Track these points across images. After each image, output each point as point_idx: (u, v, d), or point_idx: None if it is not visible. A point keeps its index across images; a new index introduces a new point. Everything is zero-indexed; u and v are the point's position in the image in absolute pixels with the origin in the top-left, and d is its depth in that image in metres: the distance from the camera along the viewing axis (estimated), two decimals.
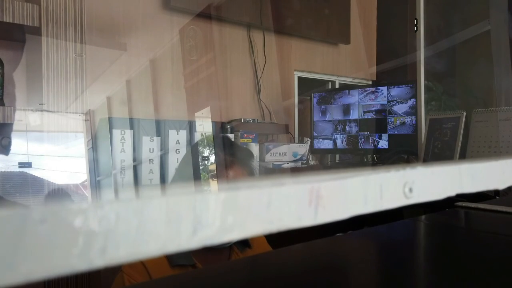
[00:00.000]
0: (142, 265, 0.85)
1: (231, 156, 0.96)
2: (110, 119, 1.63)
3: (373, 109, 2.00)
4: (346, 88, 2.21)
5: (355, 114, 2.07)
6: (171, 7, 1.81)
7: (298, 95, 2.35)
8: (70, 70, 1.30)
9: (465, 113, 1.73)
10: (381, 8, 2.66)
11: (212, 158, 1.00)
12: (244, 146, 1.78)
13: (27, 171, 1.33)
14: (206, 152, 1.01)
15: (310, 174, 0.18)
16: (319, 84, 2.51)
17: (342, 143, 2.12)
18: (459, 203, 0.61)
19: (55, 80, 1.27)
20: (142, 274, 0.85)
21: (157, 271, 0.85)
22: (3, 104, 1.29)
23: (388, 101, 1.95)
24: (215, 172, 0.97)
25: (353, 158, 2.22)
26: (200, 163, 0.99)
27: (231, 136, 1.86)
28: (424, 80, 2.14)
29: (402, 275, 0.34)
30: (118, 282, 0.86)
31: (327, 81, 2.52)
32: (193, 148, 1.07)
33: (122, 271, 0.85)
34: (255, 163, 1.83)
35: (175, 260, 0.86)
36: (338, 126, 2.13)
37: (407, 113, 1.89)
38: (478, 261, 0.38)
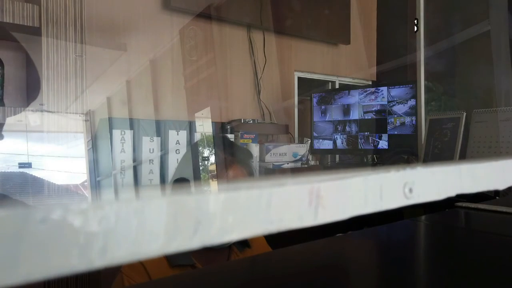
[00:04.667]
0: (142, 266, 0.85)
1: (230, 156, 0.97)
2: (110, 120, 1.63)
3: (373, 109, 2.00)
4: (346, 88, 2.21)
5: (355, 115, 2.07)
6: (171, 7, 1.81)
7: (298, 95, 2.35)
8: (70, 70, 1.30)
9: (465, 114, 1.73)
10: (381, 8, 2.66)
11: (211, 158, 1.00)
12: (244, 146, 1.78)
13: (27, 171, 1.33)
14: (205, 153, 1.01)
15: (310, 174, 0.18)
16: (319, 84, 2.51)
17: (342, 143, 2.12)
18: (459, 204, 0.61)
19: (55, 80, 1.27)
20: (142, 275, 0.85)
21: (156, 271, 0.85)
22: (3, 105, 1.29)
23: (388, 102, 1.95)
24: (215, 172, 0.98)
25: (353, 158, 2.22)
26: (200, 163, 0.99)
27: (231, 136, 1.86)
28: (424, 80, 2.14)
29: (402, 275, 0.34)
30: (117, 283, 0.86)
31: (327, 82, 2.52)
32: (192, 148, 1.07)
33: (122, 272, 0.85)
34: (255, 163, 1.83)
35: (175, 260, 0.86)
36: (338, 126, 2.13)
37: (407, 114, 1.89)
38: (478, 261, 0.38)
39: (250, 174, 0.99)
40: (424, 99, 2.12)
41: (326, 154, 2.36)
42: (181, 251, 0.14)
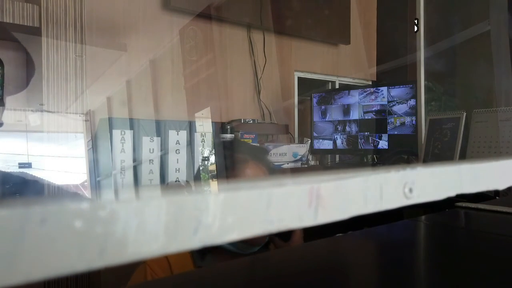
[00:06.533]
0: (167, 262, 0.85)
1: (245, 155, 0.94)
2: (110, 120, 1.63)
3: (373, 109, 2.00)
4: (346, 88, 2.21)
5: (355, 115, 2.07)
6: (171, 7, 1.81)
7: (298, 95, 2.35)
8: (70, 71, 1.30)
9: (465, 114, 1.72)
10: (381, 8, 2.65)
11: (227, 160, 0.97)
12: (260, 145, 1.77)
13: (27, 171, 1.33)
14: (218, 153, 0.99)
15: (310, 174, 0.18)
16: (319, 84, 2.51)
17: (342, 143, 2.12)
18: (459, 204, 0.61)
19: (55, 80, 1.27)
20: (165, 271, 0.84)
21: (180, 270, 0.84)
22: (3, 105, 1.29)
23: (388, 102, 1.95)
24: (231, 172, 0.95)
25: (353, 158, 2.22)
26: (223, 165, 0.96)
27: (231, 136, 1.86)
28: (424, 80, 2.14)
29: (402, 276, 0.34)
30: (139, 273, 0.85)
31: (327, 82, 2.52)
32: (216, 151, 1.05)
33: (146, 264, 0.84)
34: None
35: (199, 262, 0.86)
36: (338, 126, 2.13)
37: (407, 114, 1.89)
38: (478, 261, 0.38)
39: (268, 170, 0.96)
40: (424, 99, 2.12)
41: (326, 154, 2.36)
42: (182, 251, 0.14)
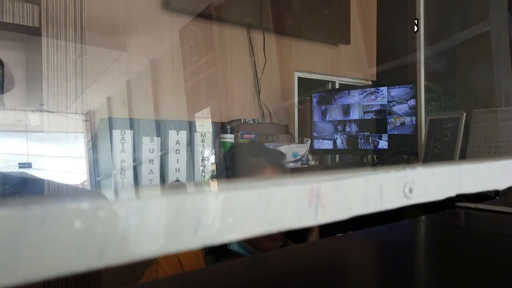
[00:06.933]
0: (178, 262, 0.84)
1: (262, 159, 0.93)
2: (110, 120, 1.63)
3: (373, 109, 2.00)
4: (346, 88, 2.21)
5: (355, 115, 2.07)
6: (171, 7, 1.81)
7: (298, 95, 2.35)
8: (70, 70, 1.30)
9: (465, 114, 1.72)
10: (381, 8, 2.65)
11: (244, 164, 0.96)
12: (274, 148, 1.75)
13: (27, 171, 1.33)
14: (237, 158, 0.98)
15: (310, 174, 0.18)
16: (319, 84, 2.51)
17: (342, 143, 2.12)
18: (459, 204, 0.61)
19: (55, 80, 1.27)
20: (176, 270, 0.84)
21: (191, 269, 0.83)
22: (3, 104, 1.29)
23: (388, 102, 1.95)
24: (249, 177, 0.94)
25: (353, 158, 2.22)
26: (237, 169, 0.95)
27: (231, 136, 1.86)
28: (424, 80, 2.14)
29: (402, 276, 0.34)
30: (151, 273, 0.84)
31: (327, 82, 2.52)
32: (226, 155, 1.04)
33: (158, 263, 0.84)
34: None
35: (211, 262, 0.86)
36: (338, 126, 2.13)
37: (407, 114, 1.89)
38: (478, 261, 0.38)
39: (284, 173, 0.95)
40: (424, 99, 2.12)
41: (326, 154, 2.36)
42: (182, 251, 0.14)
